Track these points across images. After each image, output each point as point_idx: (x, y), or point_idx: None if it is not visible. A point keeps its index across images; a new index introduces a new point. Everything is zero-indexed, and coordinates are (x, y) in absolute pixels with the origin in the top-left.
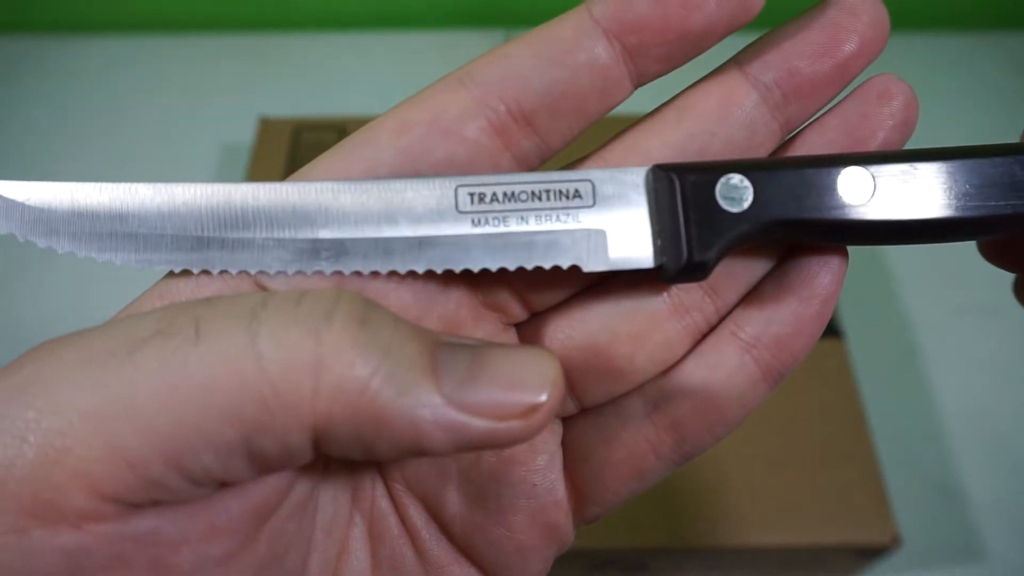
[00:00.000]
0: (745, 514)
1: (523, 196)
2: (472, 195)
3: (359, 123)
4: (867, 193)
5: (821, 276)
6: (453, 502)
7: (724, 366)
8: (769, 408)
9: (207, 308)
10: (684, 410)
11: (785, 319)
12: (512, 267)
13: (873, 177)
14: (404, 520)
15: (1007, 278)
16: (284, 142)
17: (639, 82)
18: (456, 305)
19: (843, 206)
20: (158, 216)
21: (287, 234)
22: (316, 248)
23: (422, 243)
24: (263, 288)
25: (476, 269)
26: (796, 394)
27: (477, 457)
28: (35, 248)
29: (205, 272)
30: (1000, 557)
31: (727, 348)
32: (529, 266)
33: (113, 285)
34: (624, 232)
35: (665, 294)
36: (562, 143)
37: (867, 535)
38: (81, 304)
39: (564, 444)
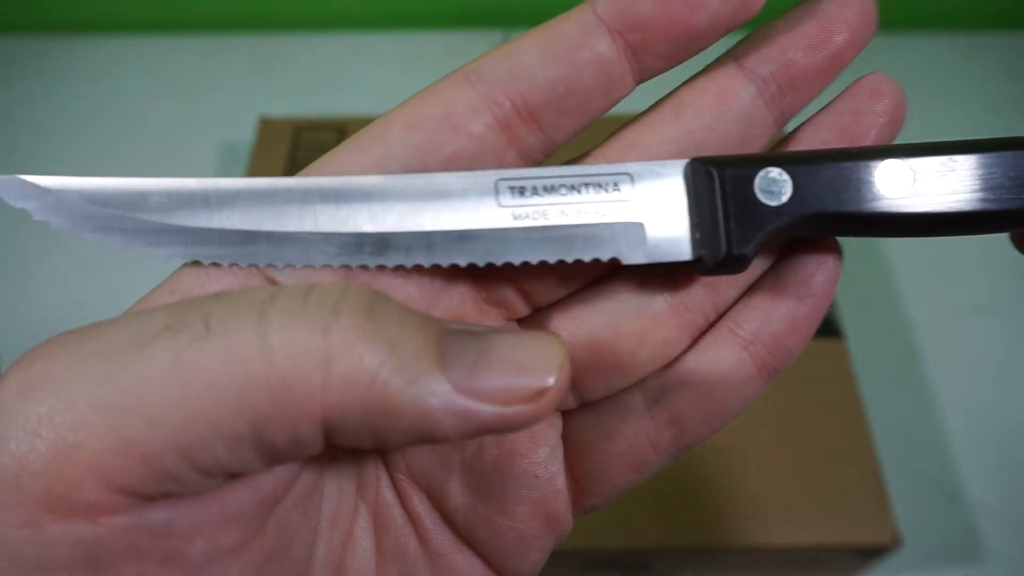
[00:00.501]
0: (745, 514)
1: (563, 190)
2: (513, 188)
3: (359, 123)
4: (906, 186)
5: (817, 276)
6: (456, 492)
7: (723, 362)
8: (770, 408)
9: (216, 304)
10: (683, 405)
11: (782, 317)
12: (552, 260)
13: (912, 170)
14: (408, 510)
15: (1007, 278)
16: (284, 142)
17: (641, 79)
18: (460, 300)
19: (882, 199)
20: (206, 211)
21: (332, 228)
22: (360, 242)
23: (463, 236)
24: (273, 282)
25: (517, 263)
26: (796, 394)
27: (480, 448)
28: (42, 241)
29: (215, 265)
30: (1000, 557)
31: (726, 345)
32: (569, 259)
33: (120, 279)
34: (663, 225)
35: (667, 292)
36: (565, 139)
37: (867, 535)
38: (89, 297)
39: (565, 437)
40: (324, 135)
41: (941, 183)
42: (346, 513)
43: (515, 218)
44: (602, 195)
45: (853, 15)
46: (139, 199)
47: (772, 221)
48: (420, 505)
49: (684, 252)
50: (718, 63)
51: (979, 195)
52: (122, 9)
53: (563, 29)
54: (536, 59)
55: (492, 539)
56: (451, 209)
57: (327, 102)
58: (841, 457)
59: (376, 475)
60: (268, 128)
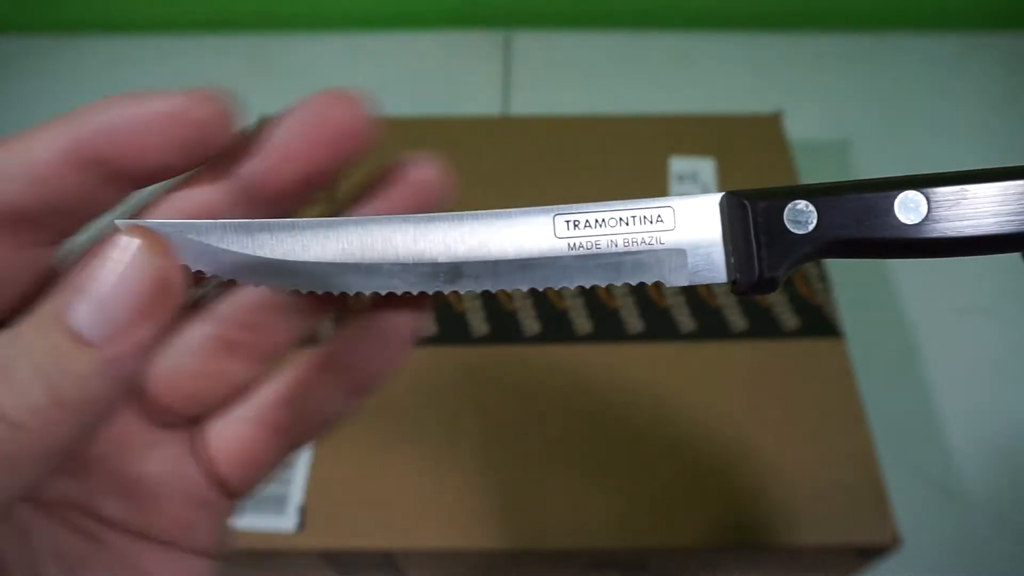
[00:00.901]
0: (745, 514)
1: (612, 222)
2: (568, 222)
3: None
4: (921, 213)
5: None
6: (107, 505)
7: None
8: (769, 408)
9: None
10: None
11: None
12: (603, 284)
13: (927, 198)
14: (75, 525)
15: (1007, 279)
16: None
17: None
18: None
19: (899, 225)
20: (302, 251)
21: (411, 260)
22: (436, 272)
23: (524, 266)
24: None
25: (572, 287)
26: (796, 394)
27: (112, 461)
28: None
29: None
30: (1000, 557)
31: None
32: (618, 283)
33: None
34: (702, 252)
35: None
36: None
37: (867, 535)
38: None
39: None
40: None
41: (954, 210)
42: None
43: (570, 248)
44: (647, 226)
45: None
46: (237, 242)
47: (800, 248)
48: (81, 521)
49: (721, 276)
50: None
51: (990, 220)
52: (122, 9)
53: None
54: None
55: (157, 530)
56: (514, 241)
57: None
58: (841, 457)
59: (30, 513)
60: None
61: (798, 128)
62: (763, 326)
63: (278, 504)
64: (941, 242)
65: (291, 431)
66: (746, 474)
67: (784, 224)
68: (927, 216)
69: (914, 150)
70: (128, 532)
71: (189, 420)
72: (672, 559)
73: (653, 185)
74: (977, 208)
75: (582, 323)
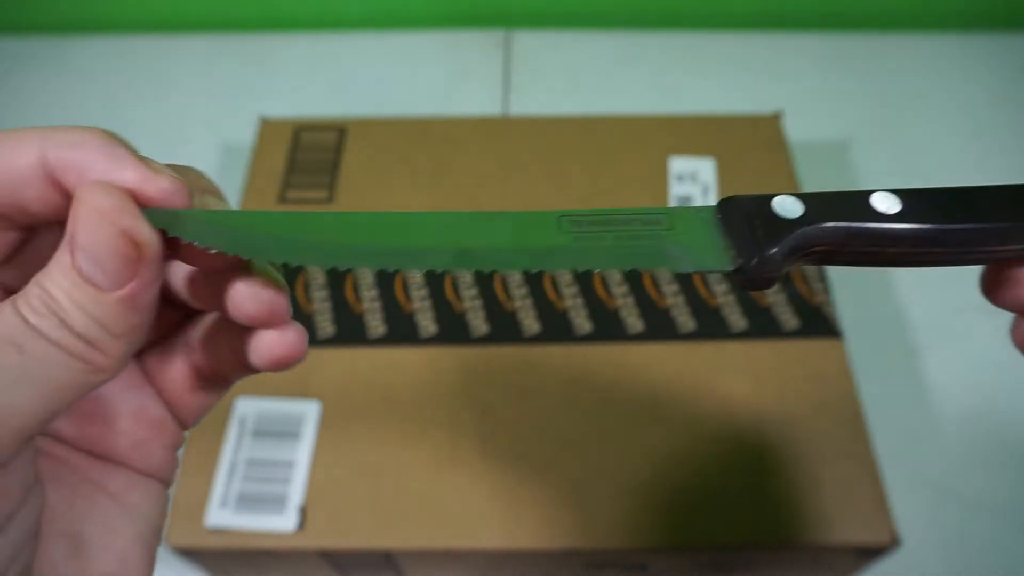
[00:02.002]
0: (744, 514)
1: (614, 221)
2: (573, 222)
3: (359, 123)
4: (895, 207)
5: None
6: (63, 423)
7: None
8: (769, 408)
9: None
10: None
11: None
12: (610, 266)
13: (900, 198)
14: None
15: None
16: (284, 142)
17: None
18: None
19: (877, 215)
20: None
21: (438, 246)
22: (461, 256)
23: (532, 254)
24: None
25: (580, 270)
26: (796, 394)
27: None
28: None
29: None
30: (1000, 557)
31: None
32: (627, 267)
33: None
34: (702, 243)
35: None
36: None
37: (867, 535)
38: None
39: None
40: (324, 135)
41: (928, 207)
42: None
43: (575, 240)
44: (648, 227)
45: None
46: (299, 227)
47: (790, 230)
48: (41, 440)
49: (724, 263)
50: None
51: (961, 215)
52: (122, 9)
53: None
54: None
55: (113, 450)
56: (525, 235)
57: (327, 102)
58: (840, 457)
59: None
60: (268, 128)
61: (798, 128)
62: (763, 326)
63: (278, 504)
64: (914, 233)
65: (217, 369)
66: (746, 474)
67: (774, 211)
68: (900, 210)
69: (914, 150)
70: (83, 450)
71: None
72: (672, 559)
73: (653, 185)
74: (947, 207)
75: (582, 323)
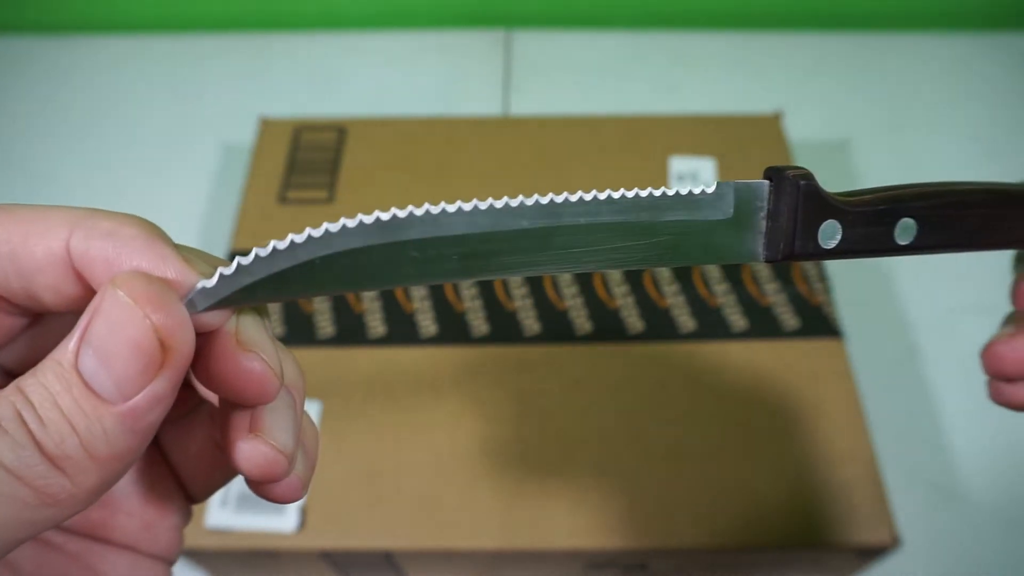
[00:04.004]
0: (745, 514)
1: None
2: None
3: (359, 123)
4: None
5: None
6: None
7: None
8: (769, 408)
9: None
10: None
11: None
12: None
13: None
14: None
15: (1007, 279)
16: (284, 142)
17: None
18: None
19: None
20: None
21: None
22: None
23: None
24: None
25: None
26: (796, 394)
27: None
28: None
29: None
30: (999, 557)
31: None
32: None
33: None
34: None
35: None
36: None
37: (867, 535)
38: None
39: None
40: (324, 135)
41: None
42: None
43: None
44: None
45: None
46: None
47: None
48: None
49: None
50: None
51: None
52: (122, 9)
53: None
54: None
55: (118, 534)
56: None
57: (327, 102)
58: (841, 457)
59: None
60: (268, 128)
61: (798, 128)
62: (763, 326)
63: (278, 504)
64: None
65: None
66: (746, 474)
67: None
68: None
69: (914, 150)
70: (84, 535)
71: None
72: (672, 559)
73: (653, 185)
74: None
75: (582, 323)
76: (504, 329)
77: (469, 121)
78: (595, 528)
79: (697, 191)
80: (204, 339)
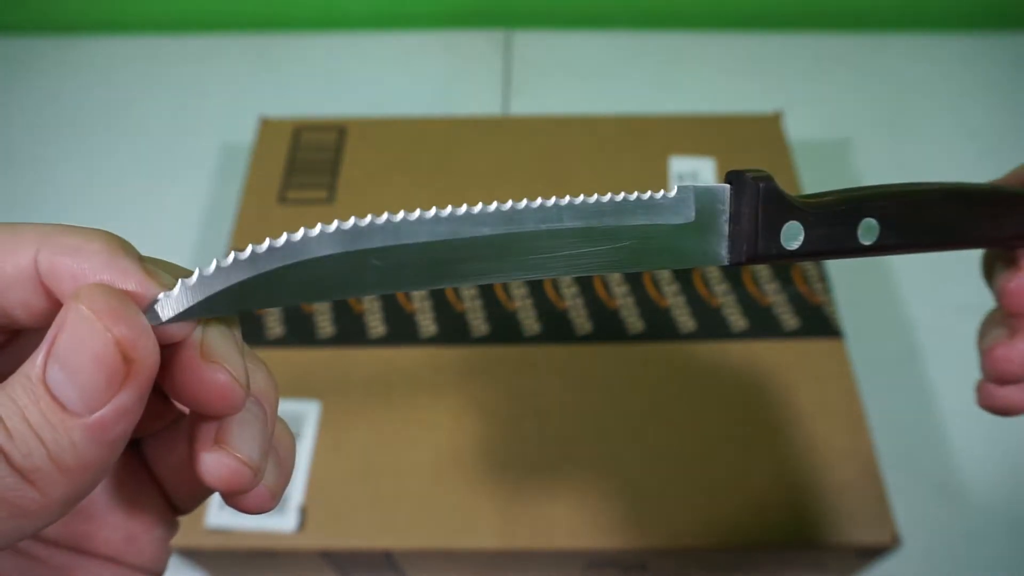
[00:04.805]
0: (745, 514)
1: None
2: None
3: (359, 123)
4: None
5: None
6: (50, 527)
7: None
8: (769, 408)
9: None
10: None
11: None
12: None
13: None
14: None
15: None
16: (284, 142)
17: None
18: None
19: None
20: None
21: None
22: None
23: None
24: None
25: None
26: (796, 394)
27: None
28: None
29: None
30: (1000, 557)
31: None
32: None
33: None
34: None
35: None
36: None
37: (867, 535)
38: None
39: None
40: (324, 135)
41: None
42: None
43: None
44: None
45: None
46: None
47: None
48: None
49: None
50: None
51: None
52: (122, 9)
53: None
54: None
55: (103, 546)
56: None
57: (327, 102)
58: (841, 457)
59: None
60: (268, 128)
61: (798, 128)
62: (763, 326)
63: (278, 504)
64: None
65: None
66: (746, 474)
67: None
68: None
69: (914, 150)
70: (68, 548)
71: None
72: (672, 559)
73: (653, 185)
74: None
75: (582, 323)
76: (504, 329)
77: (469, 121)
78: (595, 528)
79: (659, 195)
80: (170, 351)
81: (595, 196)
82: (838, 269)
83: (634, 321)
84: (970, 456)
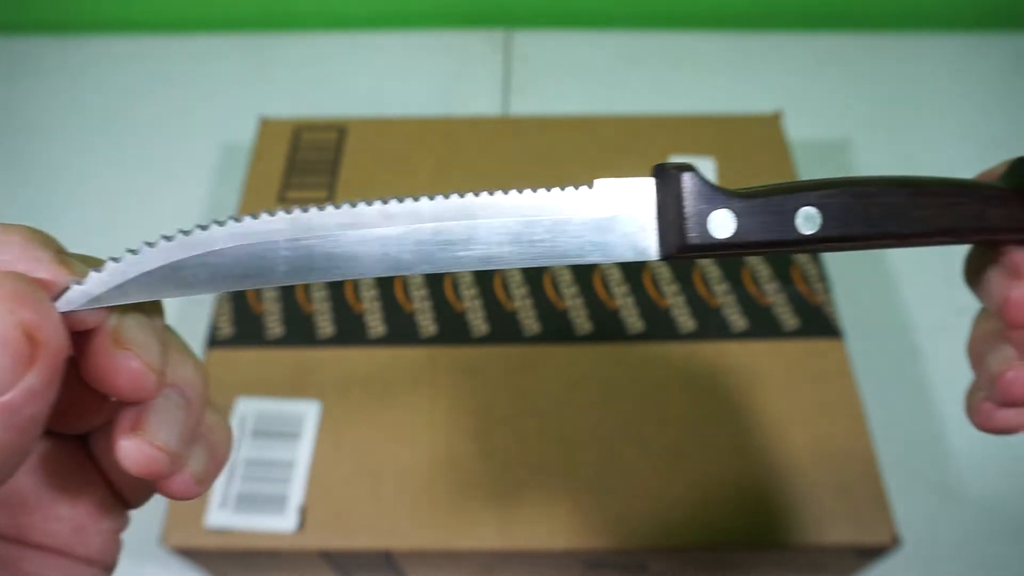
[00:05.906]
0: (745, 514)
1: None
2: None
3: (359, 123)
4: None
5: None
6: None
7: None
8: (769, 408)
9: None
10: None
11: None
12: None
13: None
14: None
15: None
16: (284, 142)
17: None
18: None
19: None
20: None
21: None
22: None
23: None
24: None
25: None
26: (796, 394)
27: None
28: None
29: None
30: (1000, 557)
31: None
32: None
33: None
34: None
35: None
36: None
37: (867, 535)
38: None
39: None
40: (324, 135)
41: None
42: None
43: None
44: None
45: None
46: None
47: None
48: None
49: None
50: None
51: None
52: (122, 9)
53: None
54: None
55: (50, 538)
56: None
57: (327, 102)
58: (841, 457)
59: None
60: (268, 128)
61: (798, 128)
62: (763, 326)
63: (278, 504)
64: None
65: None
66: (746, 474)
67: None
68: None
69: (914, 150)
70: (12, 540)
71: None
72: (671, 559)
73: None
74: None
75: (582, 323)
76: (504, 329)
77: (469, 121)
78: (594, 528)
79: (577, 189)
80: (84, 337)
81: (525, 191)
82: (838, 269)
83: (634, 321)
84: (970, 456)
